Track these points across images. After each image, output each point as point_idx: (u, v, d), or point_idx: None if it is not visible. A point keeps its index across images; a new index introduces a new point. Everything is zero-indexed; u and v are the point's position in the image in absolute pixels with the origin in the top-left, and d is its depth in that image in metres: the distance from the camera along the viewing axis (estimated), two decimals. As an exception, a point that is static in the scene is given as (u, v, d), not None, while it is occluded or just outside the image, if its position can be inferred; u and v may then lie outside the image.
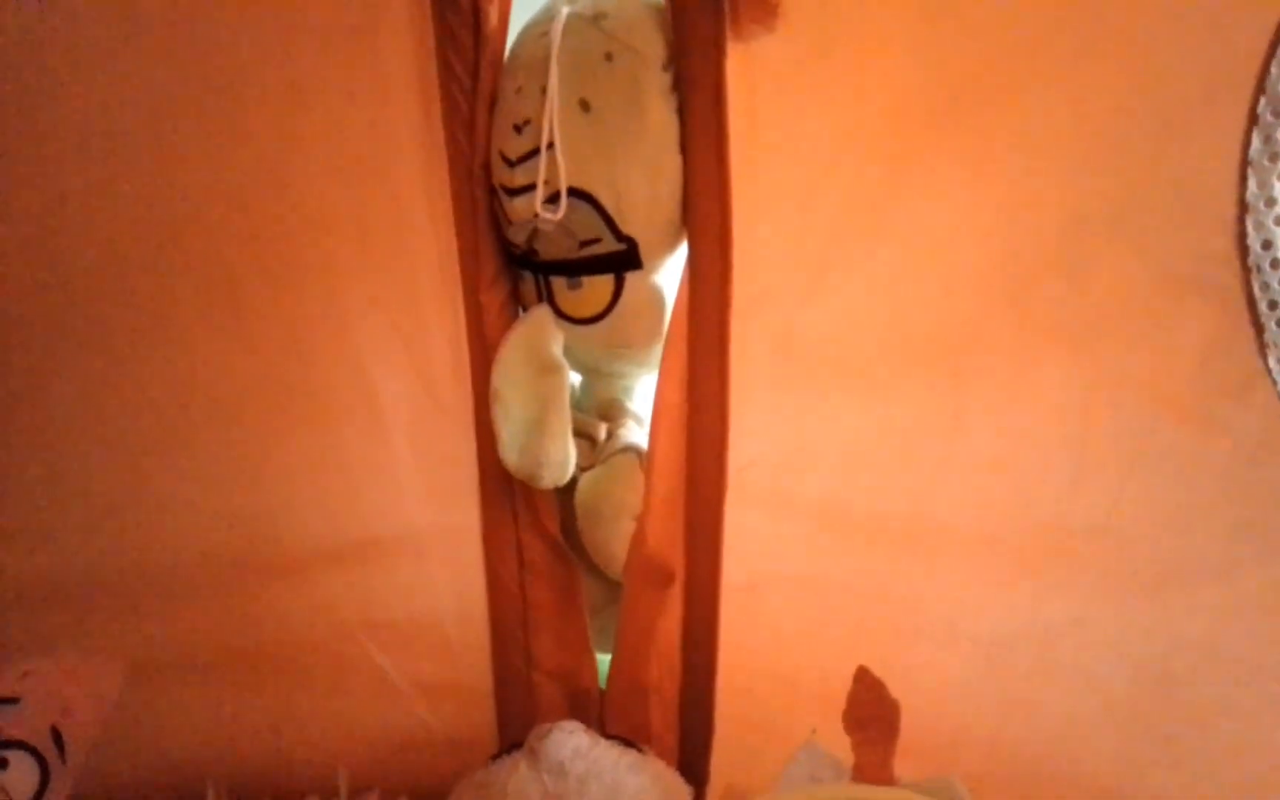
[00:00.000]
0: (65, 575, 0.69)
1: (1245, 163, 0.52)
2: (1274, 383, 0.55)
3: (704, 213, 0.62)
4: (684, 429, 0.68)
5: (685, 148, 0.61)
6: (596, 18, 0.61)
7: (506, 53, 0.63)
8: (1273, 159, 0.52)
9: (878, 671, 0.62)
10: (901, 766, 0.57)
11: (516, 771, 0.63)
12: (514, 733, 0.73)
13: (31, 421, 0.66)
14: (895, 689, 0.59)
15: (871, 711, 0.54)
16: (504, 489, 0.71)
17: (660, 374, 0.66)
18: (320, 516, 0.72)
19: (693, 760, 0.74)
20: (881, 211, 0.61)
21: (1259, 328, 0.55)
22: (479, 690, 0.75)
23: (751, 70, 0.59)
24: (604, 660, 0.75)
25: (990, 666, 0.68)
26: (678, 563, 0.72)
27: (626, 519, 0.70)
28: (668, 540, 0.71)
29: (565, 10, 0.61)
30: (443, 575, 0.74)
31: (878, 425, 0.66)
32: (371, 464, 0.72)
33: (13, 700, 0.53)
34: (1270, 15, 0.50)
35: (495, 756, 0.68)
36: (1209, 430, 0.58)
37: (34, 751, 0.53)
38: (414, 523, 0.73)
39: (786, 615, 0.72)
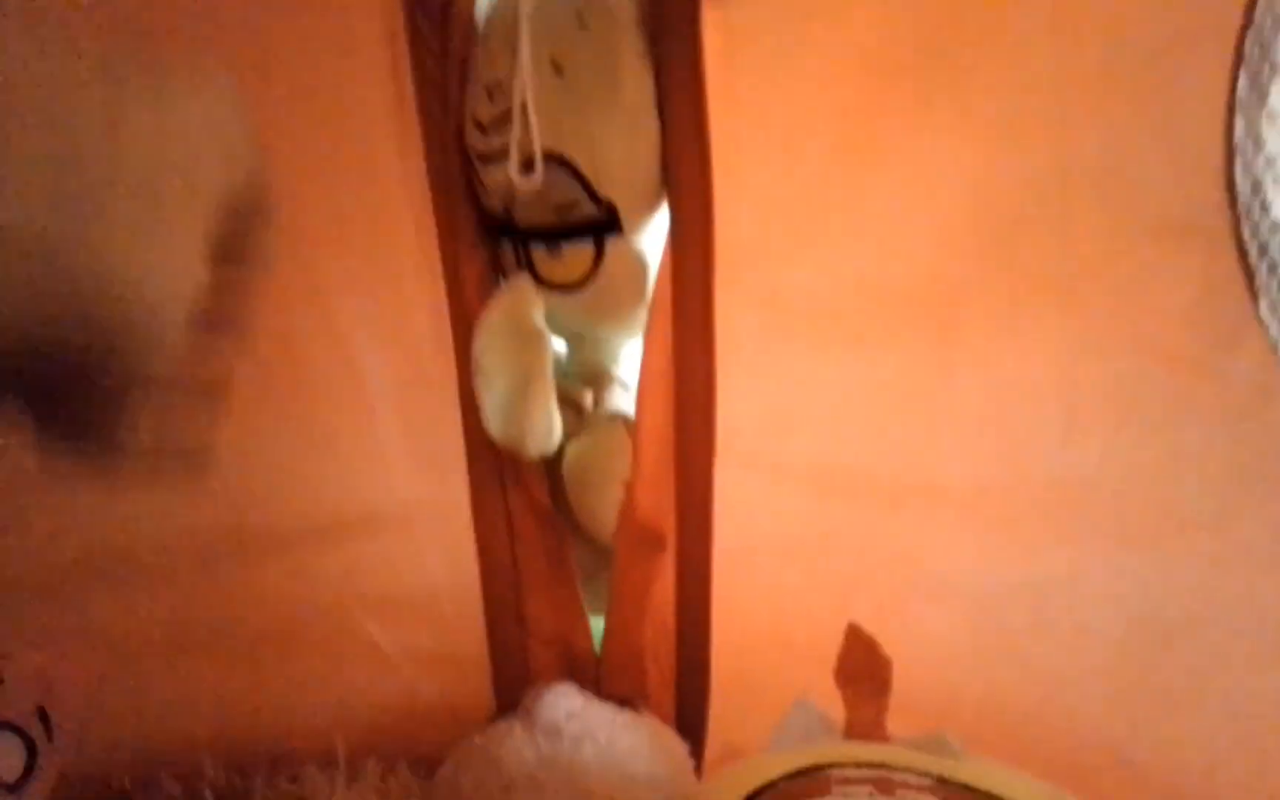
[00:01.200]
0: (52, 556, 0.69)
1: (1232, 105, 0.51)
2: (1265, 329, 0.54)
3: (684, 174, 0.61)
4: (672, 394, 0.68)
5: (663, 109, 0.60)
6: (568, -24, 0.59)
7: (478, 15, 0.62)
8: (1260, 100, 0.50)
9: (870, 628, 0.62)
10: (894, 723, 0.57)
11: (511, 734, 0.63)
12: (510, 699, 0.73)
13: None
14: (888, 646, 0.59)
15: (863, 668, 0.54)
16: (491, 458, 0.71)
17: (645, 340, 0.66)
18: (307, 493, 0.72)
19: (690, 720, 0.74)
20: (864, 166, 0.60)
21: (1249, 274, 0.54)
22: (474, 659, 0.75)
23: (729, 26, 0.57)
24: (600, 623, 0.75)
25: (983, 622, 0.68)
26: (669, 528, 0.71)
27: (615, 485, 0.69)
28: (658, 506, 0.70)
29: (536, -31, 0.59)
30: (433, 547, 0.74)
31: (866, 382, 0.66)
32: (356, 439, 0.72)
33: (-5, 682, 0.53)
34: (1257, -50, 0.49)
35: (491, 720, 0.68)
36: (1201, 379, 0.57)
37: (19, 732, 0.53)
38: (402, 496, 0.73)
39: (779, 575, 0.71)
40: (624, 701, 0.67)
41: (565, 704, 0.63)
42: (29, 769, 0.54)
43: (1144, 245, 0.56)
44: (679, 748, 0.66)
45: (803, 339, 0.65)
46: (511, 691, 0.75)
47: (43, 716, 0.55)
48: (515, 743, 0.62)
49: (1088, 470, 0.61)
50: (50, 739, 0.55)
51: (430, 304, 0.66)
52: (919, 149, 0.58)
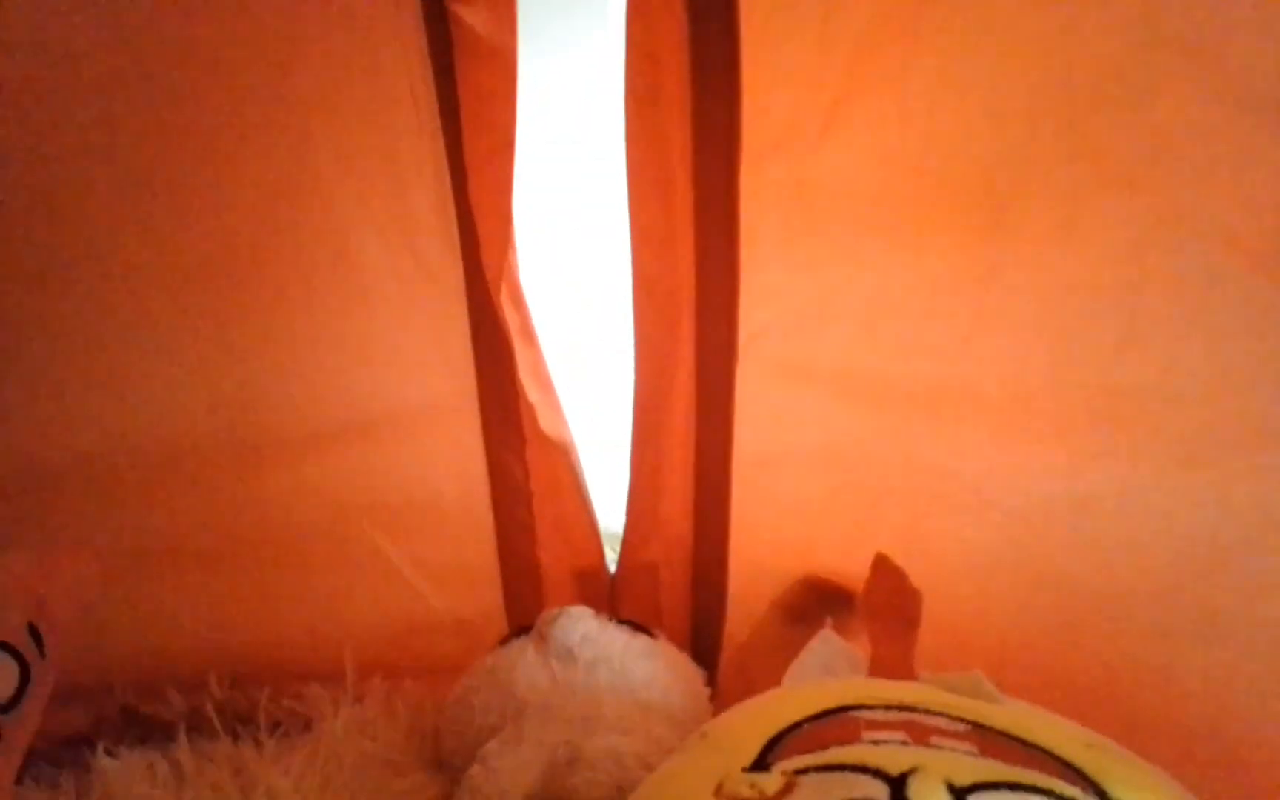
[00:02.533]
0: (59, 463, 0.67)
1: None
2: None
3: (710, 55, 0.54)
4: (671, 299, 0.63)
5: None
6: None
7: None
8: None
9: (899, 544, 0.58)
10: (922, 642, 0.53)
11: (524, 657, 0.61)
12: (521, 614, 0.71)
13: (17, 307, 0.63)
14: (917, 563, 0.55)
15: (891, 601, 0.50)
16: (500, 358, 0.66)
17: (633, 244, 0.60)
18: (312, 398, 0.69)
19: (704, 640, 0.72)
20: (910, 35, 0.53)
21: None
22: (483, 572, 0.72)
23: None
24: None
25: (1020, 538, 0.63)
26: (686, 434, 0.67)
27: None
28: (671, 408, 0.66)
29: None
30: (441, 455, 0.71)
31: (903, 280, 0.60)
32: (361, 341, 0.68)
33: (-20, 597, 0.51)
34: None
35: (504, 641, 0.66)
36: (1284, 281, 0.51)
37: (11, 650, 0.51)
38: (408, 400, 0.69)
39: (802, 488, 0.67)
40: (639, 627, 0.65)
41: (580, 628, 0.60)
42: (22, 686, 0.52)
43: (1229, 125, 0.49)
44: (695, 676, 0.64)
45: (833, 232, 0.59)
46: (522, 605, 0.72)
47: (34, 632, 0.53)
48: (528, 666, 0.59)
49: (1147, 379, 0.56)
50: (42, 655, 0.53)
51: (433, 194, 0.61)
52: (974, 13, 0.50)
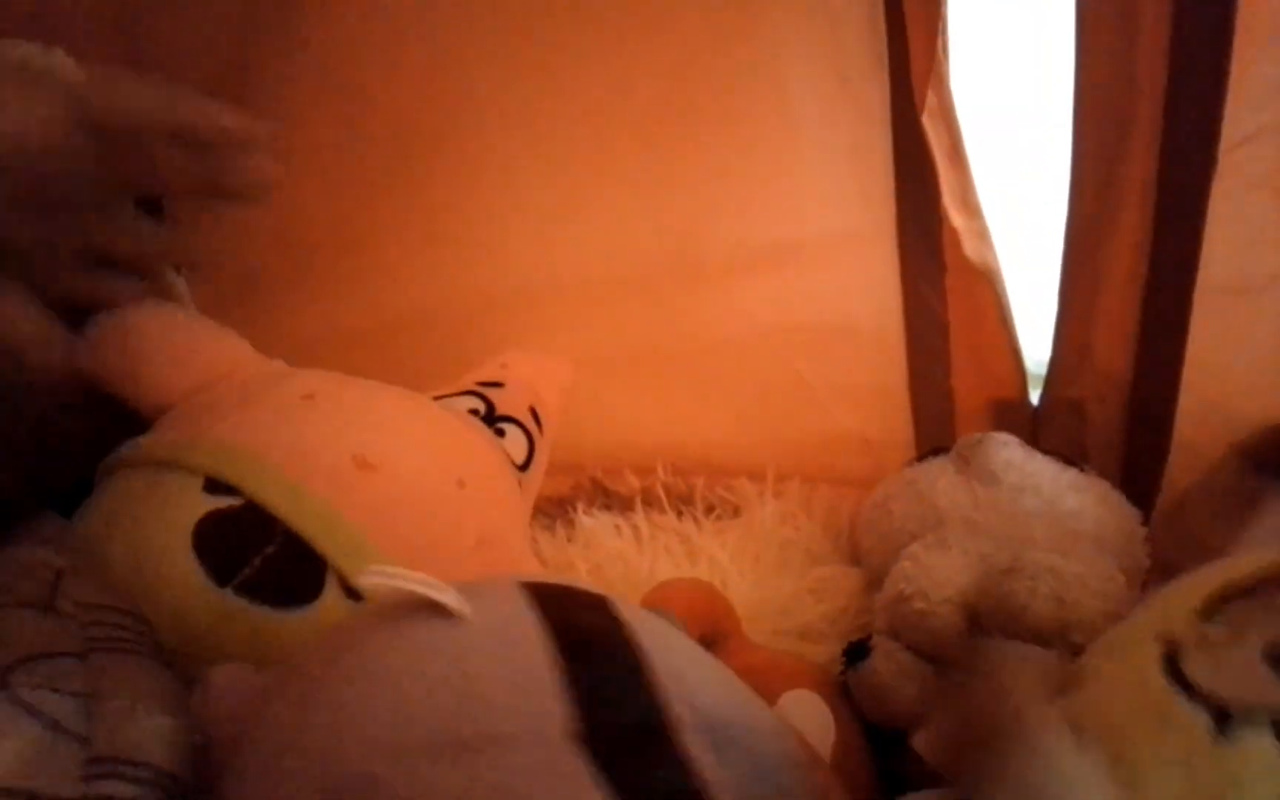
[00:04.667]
0: (541, 282, 0.80)
1: None
2: None
3: None
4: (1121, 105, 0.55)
5: None
6: None
7: None
8: None
9: None
10: None
11: (944, 474, 0.61)
12: (930, 438, 0.72)
13: (477, 148, 0.75)
14: None
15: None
16: (924, 184, 0.65)
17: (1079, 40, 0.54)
18: (740, 225, 0.74)
19: (1138, 482, 0.66)
20: None
21: None
22: (894, 397, 0.74)
23: None
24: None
25: None
26: (1132, 260, 0.61)
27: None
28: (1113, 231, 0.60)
29: None
30: (856, 282, 0.73)
31: None
32: (781, 164, 0.71)
33: (498, 384, 0.65)
34: None
35: (921, 457, 0.67)
36: None
37: (521, 426, 0.64)
38: (828, 224, 0.72)
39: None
40: (1069, 459, 0.61)
41: (1005, 454, 0.58)
42: (530, 454, 0.66)
43: None
44: (1130, 515, 0.59)
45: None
46: (931, 431, 0.73)
47: (534, 415, 0.66)
48: (948, 483, 0.59)
49: None
50: (541, 432, 0.67)
51: (864, 15, 0.60)
52: None
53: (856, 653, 0.52)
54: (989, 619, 0.47)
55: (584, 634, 0.31)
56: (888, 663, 0.50)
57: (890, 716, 0.50)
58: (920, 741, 0.49)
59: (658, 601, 0.51)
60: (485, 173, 0.75)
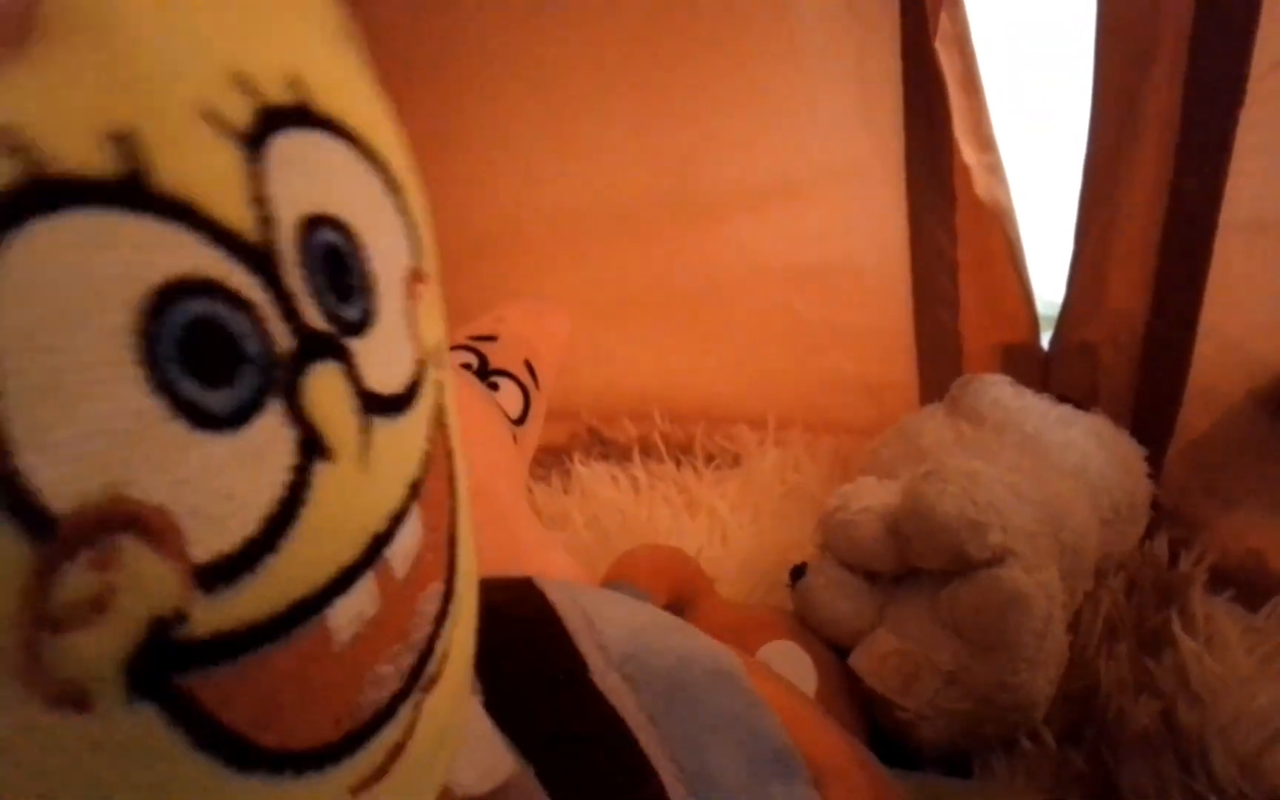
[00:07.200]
0: (532, 223, 0.77)
1: None
2: None
3: None
4: (1144, 34, 0.51)
5: None
6: None
7: None
8: None
9: None
10: None
11: (934, 418, 0.61)
12: (937, 384, 0.70)
13: (458, 76, 0.71)
14: None
15: None
16: (934, 113, 0.62)
17: None
18: (738, 160, 0.71)
19: (1150, 426, 0.64)
20: None
21: None
22: (899, 340, 0.72)
23: None
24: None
25: None
26: (1153, 197, 0.58)
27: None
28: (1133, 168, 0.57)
29: None
30: (862, 217, 0.69)
31: None
32: (782, 93, 0.67)
33: (493, 338, 0.63)
34: None
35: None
36: None
37: (516, 379, 0.63)
38: (831, 158, 0.68)
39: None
40: (1067, 398, 0.60)
41: (993, 393, 0.58)
42: (526, 407, 0.64)
43: None
44: (1131, 452, 0.57)
45: None
46: (938, 376, 0.71)
47: (529, 368, 0.64)
48: (935, 424, 0.59)
49: None
50: (537, 385, 0.65)
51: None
52: None
53: (798, 572, 0.54)
54: (905, 523, 0.48)
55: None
56: (819, 577, 0.52)
57: (831, 633, 0.51)
58: (856, 660, 0.49)
59: (620, 574, 0.51)
60: (468, 103, 0.72)
